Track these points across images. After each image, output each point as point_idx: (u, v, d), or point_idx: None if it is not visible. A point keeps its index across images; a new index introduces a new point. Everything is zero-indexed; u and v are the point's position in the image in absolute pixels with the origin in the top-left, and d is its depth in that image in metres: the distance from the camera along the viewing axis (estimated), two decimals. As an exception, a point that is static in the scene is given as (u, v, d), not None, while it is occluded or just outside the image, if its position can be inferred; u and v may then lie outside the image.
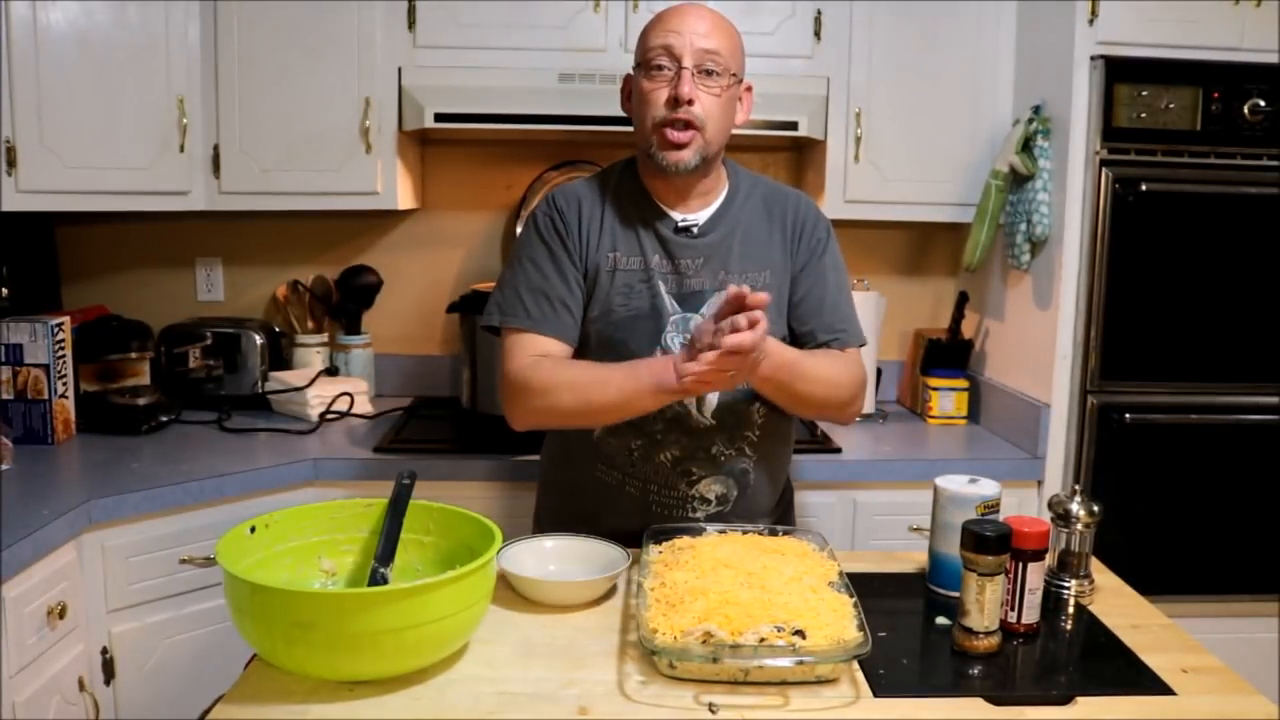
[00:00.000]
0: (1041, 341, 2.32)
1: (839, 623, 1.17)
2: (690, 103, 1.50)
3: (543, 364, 1.53)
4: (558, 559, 1.46)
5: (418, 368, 2.81)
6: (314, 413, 2.43)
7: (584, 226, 1.60)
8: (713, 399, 1.60)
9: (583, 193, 1.63)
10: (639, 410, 1.50)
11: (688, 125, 1.51)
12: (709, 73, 1.52)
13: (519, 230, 1.79)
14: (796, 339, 1.66)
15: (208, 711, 1.11)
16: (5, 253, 2.35)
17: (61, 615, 1.71)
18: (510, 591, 1.38)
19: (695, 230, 1.60)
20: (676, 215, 1.60)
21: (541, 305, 1.57)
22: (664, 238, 1.59)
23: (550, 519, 1.72)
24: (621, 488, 1.62)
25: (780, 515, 1.74)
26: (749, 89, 1.63)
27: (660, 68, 1.52)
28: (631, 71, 1.60)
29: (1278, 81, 2.18)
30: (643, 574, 1.31)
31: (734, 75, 1.55)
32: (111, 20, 2.14)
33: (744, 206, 1.64)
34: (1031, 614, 1.30)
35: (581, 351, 1.60)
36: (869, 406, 2.58)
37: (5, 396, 2.17)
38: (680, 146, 1.52)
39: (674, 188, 1.59)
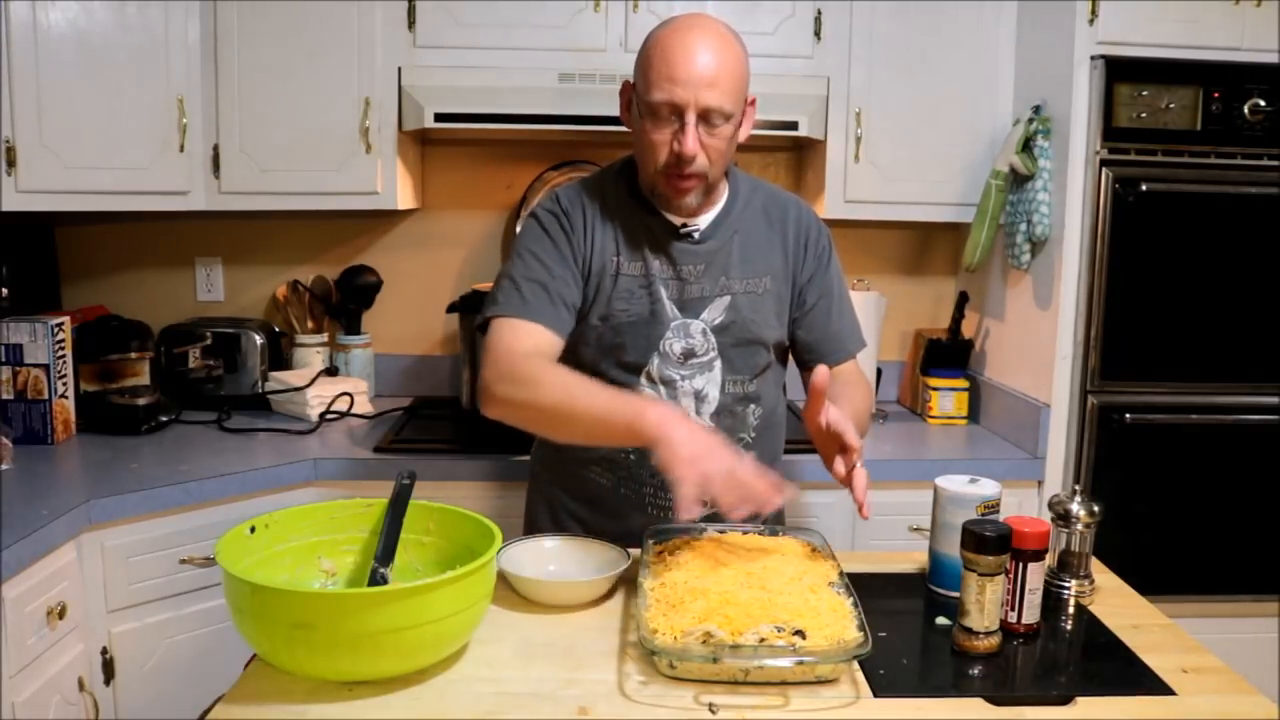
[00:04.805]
0: (1041, 341, 2.32)
1: (839, 623, 1.17)
2: (694, 158, 1.47)
3: (536, 358, 1.50)
4: (557, 559, 1.46)
5: (418, 368, 2.81)
6: (314, 413, 2.43)
7: (588, 227, 1.58)
8: (712, 402, 1.60)
9: (584, 195, 1.62)
10: (605, 436, 1.44)
11: (691, 175, 1.49)
12: (714, 122, 1.47)
13: (519, 228, 1.78)
14: (803, 345, 1.67)
15: (208, 711, 1.11)
16: (5, 253, 2.35)
17: (61, 615, 1.71)
18: (510, 591, 1.38)
19: (696, 236, 1.59)
20: (677, 221, 1.59)
21: (537, 295, 1.53)
22: (665, 243, 1.58)
23: (542, 520, 1.72)
24: (616, 490, 1.62)
25: (772, 517, 1.74)
26: (752, 102, 1.58)
27: (663, 117, 1.47)
28: (632, 80, 1.55)
29: (1278, 81, 2.18)
30: (643, 574, 1.30)
31: (738, 118, 1.50)
32: (111, 20, 2.14)
33: (744, 212, 1.63)
34: (1031, 614, 1.29)
35: (582, 353, 1.60)
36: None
37: (5, 396, 2.17)
38: (684, 191, 1.51)
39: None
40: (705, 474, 1.25)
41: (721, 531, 1.45)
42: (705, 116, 1.46)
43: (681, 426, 1.31)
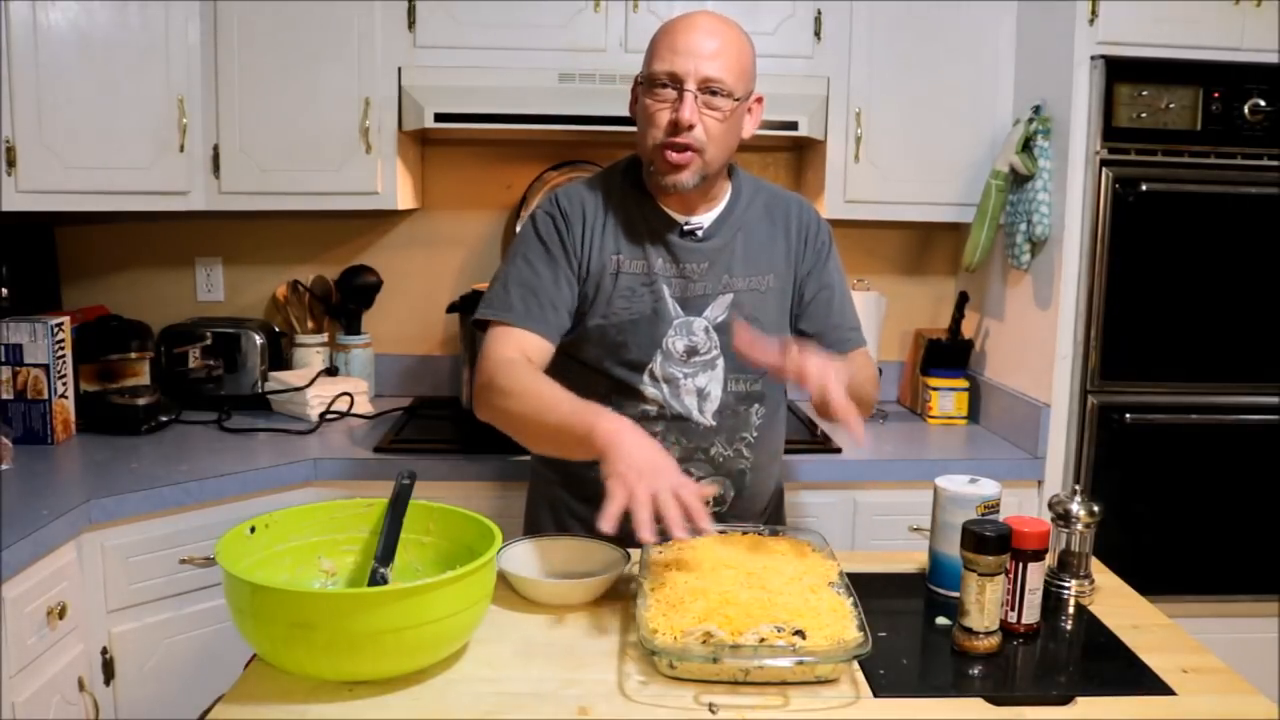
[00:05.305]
0: (1041, 341, 2.32)
1: (839, 623, 1.17)
2: (691, 127, 1.49)
3: (517, 366, 1.49)
4: (557, 559, 1.46)
5: (418, 368, 2.81)
6: (314, 413, 2.43)
7: (587, 228, 1.59)
8: (714, 400, 1.60)
9: (586, 194, 1.62)
10: (564, 448, 1.43)
11: (687, 147, 1.50)
12: (713, 93, 1.49)
13: (519, 228, 1.78)
14: (805, 339, 1.67)
15: (208, 711, 1.11)
16: (5, 253, 2.35)
17: (61, 615, 1.70)
18: (510, 591, 1.38)
19: (700, 234, 1.60)
20: (680, 219, 1.60)
21: (528, 301, 1.55)
22: (669, 241, 1.59)
23: (542, 520, 1.72)
24: None
25: (771, 516, 1.75)
26: (759, 100, 1.60)
27: (664, 86, 1.50)
28: (639, 75, 1.57)
29: (1278, 81, 2.18)
30: (643, 574, 1.31)
31: (739, 99, 1.52)
32: (111, 20, 2.14)
33: (747, 211, 1.63)
34: (1031, 614, 1.29)
35: (586, 351, 1.60)
36: (869, 406, 2.58)
37: (5, 396, 2.17)
38: (679, 168, 1.51)
39: (676, 195, 1.59)
40: (639, 492, 1.23)
41: (722, 532, 1.45)
42: (705, 88, 1.48)
43: (629, 439, 1.30)
